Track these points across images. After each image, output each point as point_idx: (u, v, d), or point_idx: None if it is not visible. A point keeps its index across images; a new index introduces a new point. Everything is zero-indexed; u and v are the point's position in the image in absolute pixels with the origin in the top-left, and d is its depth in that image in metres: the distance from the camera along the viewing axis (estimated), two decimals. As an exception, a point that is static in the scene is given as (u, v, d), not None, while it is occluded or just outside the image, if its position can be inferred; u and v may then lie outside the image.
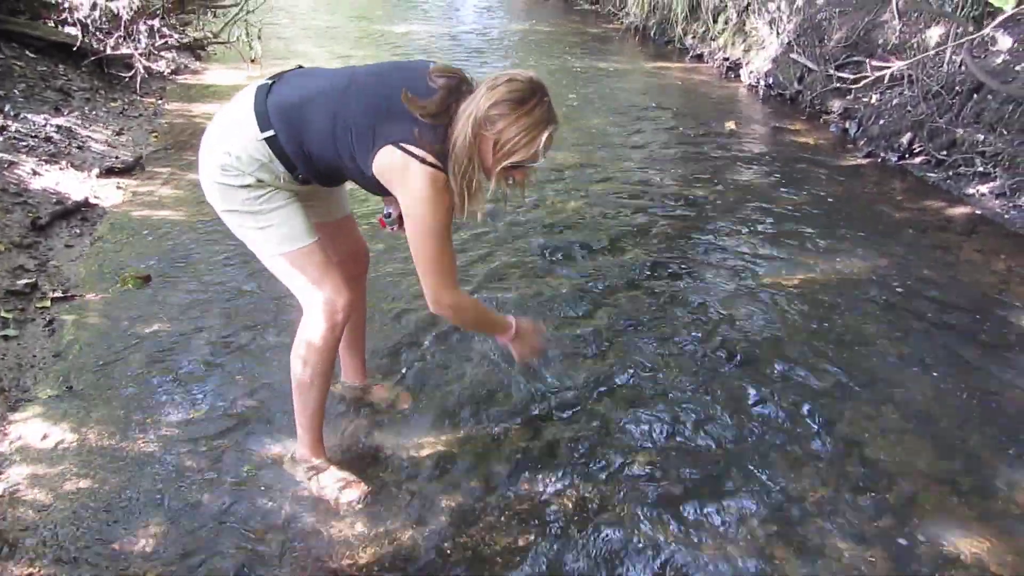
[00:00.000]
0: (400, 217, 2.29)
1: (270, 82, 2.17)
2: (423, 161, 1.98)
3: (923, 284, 3.86)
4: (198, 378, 2.98)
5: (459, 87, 2.03)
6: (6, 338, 3.15)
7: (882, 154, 5.66)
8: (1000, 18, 3.20)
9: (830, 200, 4.90)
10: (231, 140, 2.11)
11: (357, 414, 2.80)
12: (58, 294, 3.52)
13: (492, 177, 2.05)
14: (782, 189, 5.06)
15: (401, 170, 2.00)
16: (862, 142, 5.92)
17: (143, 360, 3.07)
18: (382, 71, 2.15)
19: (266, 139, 2.08)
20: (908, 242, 4.35)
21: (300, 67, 2.30)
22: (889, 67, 4.29)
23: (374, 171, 2.04)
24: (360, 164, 2.06)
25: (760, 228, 4.48)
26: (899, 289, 3.81)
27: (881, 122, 5.91)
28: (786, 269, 3.99)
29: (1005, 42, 5.16)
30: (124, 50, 6.57)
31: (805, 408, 2.91)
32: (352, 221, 2.58)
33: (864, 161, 5.63)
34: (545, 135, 1.99)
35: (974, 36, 5.01)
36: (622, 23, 10.38)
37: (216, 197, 2.19)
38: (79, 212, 4.34)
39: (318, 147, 2.10)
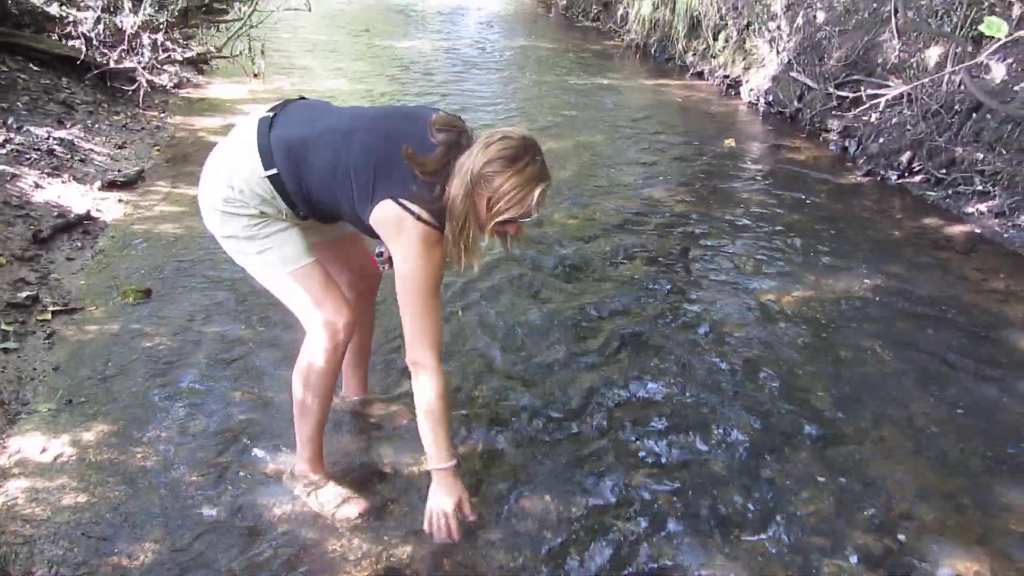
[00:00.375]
0: (391, 258, 2.31)
1: (271, 114, 2.18)
2: (419, 218, 2.01)
3: (922, 303, 3.87)
4: (198, 393, 2.98)
5: (458, 141, 2.06)
6: (6, 351, 3.15)
7: (881, 172, 5.69)
8: (994, 45, 3.20)
9: (830, 218, 4.91)
10: (234, 174, 2.14)
11: (357, 429, 2.81)
12: (59, 307, 3.52)
13: (486, 232, 2.08)
14: (782, 207, 5.07)
15: (396, 224, 2.03)
16: (861, 160, 5.95)
17: (143, 374, 3.07)
18: (387, 117, 2.19)
19: (268, 177, 2.11)
20: (907, 260, 4.36)
21: (303, 98, 2.32)
22: (883, 95, 4.32)
23: (370, 221, 2.08)
24: (358, 211, 2.09)
25: (760, 245, 4.49)
26: (898, 307, 3.82)
27: (880, 140, 5.94)
28: (786, 286, 4.00)
29: (999, 69, 5.18)
30: (127, 64, 6.59)
31: (804, 426, 2.91)
32: (358, 236, 2.60)
33: (863, 179, 5.65)
34: (537, 191, 2.02)
35: (973, 58, 5.04)
36: (623, 40, 10.44)
37: (216, 224, 2.22)
38: (81, 225, 4.35)
39: (317, 188, 2.12)
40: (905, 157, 5.61)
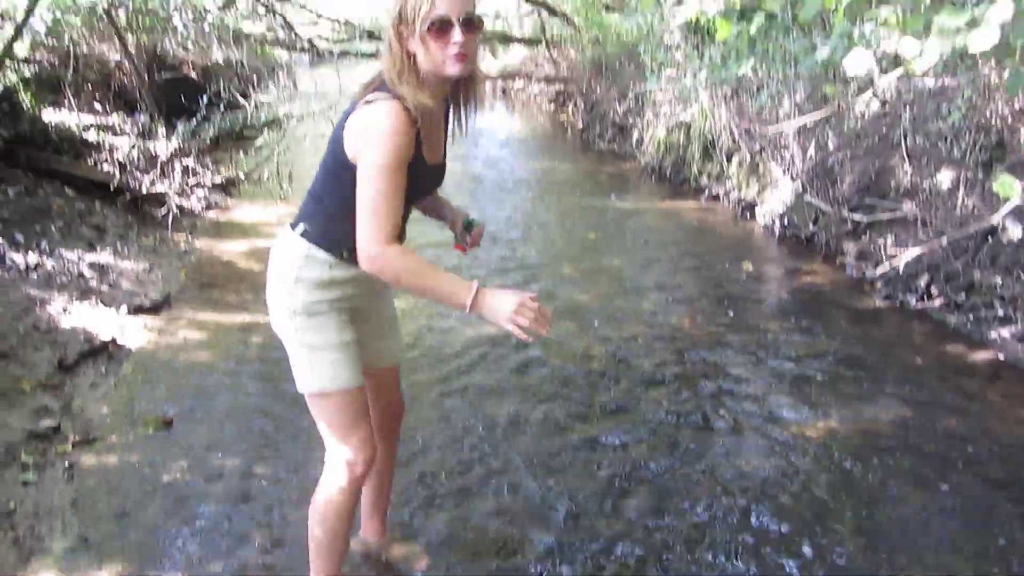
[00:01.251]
0: (464, 230, 2.43)
1: None
2: (374, 101, 2.01)
3: (949, 434, 3.80)
4: (215, 531, 2.95)
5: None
6: (25, 483, 3.15)
7: (900, 297, 5.69)
8: (1009, 207, 3.22)
9: (850, 345, 4.89)
10: (281, 268, 2.22)
11: (373, 573, 2.75)
12: (79, 437, 3.53)
13: (429, 58, 2.00)
14: (802, 333, 5.07)
15: (364, 116, 2.02)
16: (879, 284, 5.96)
17: (160, 510, 3.05)
18: None
19: (301, 234, 2.18)
20: (931, 389, 4.31)
21: None
22: (896, 211, 4.35)
23: (346, 144, 2.06)
24: (338, 160, 2.09)
25: (780, 374, 4.47)
26: (924, 441, 3.75)
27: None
28: (808, 418, 3.95)
29: (1016, 231, 5.20)
30: (159, 188, 6.82)
31: (833, 559, 2.83)
32: (397, 374, 2.61)
33: (882, 304, 5.65)
34: None
35: (983, 183, 5.11)
36: (639, 162, 10.68)
37: (276, 319, 2.27)
38: (105, 351, 4.41)
39: (321, 184, 2.21)
40: (923, 281, 5.62)
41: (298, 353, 2.23)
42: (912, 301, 5.59)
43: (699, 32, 7.97)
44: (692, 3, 1.91)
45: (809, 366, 4.58)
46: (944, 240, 4.94)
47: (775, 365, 4.60)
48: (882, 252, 6.20)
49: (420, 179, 2.15)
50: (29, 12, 6.52)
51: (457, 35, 1.96)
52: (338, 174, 2.09)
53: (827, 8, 1.67)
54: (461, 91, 2.22)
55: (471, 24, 2.00)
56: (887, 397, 4.19)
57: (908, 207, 6.12)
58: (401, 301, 3.59)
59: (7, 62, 6.60)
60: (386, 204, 1.98)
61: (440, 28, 1.95)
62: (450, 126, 2.32)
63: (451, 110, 2.28)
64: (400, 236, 2.21)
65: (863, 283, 6.11)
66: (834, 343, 4.92)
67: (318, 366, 2.20)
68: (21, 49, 6.94)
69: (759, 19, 1.82)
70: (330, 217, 2.16)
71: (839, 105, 6.12)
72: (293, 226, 2.21)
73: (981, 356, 4.76)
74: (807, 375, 4.46)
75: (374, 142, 1.98)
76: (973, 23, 1.45)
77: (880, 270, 4.95)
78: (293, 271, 2.17)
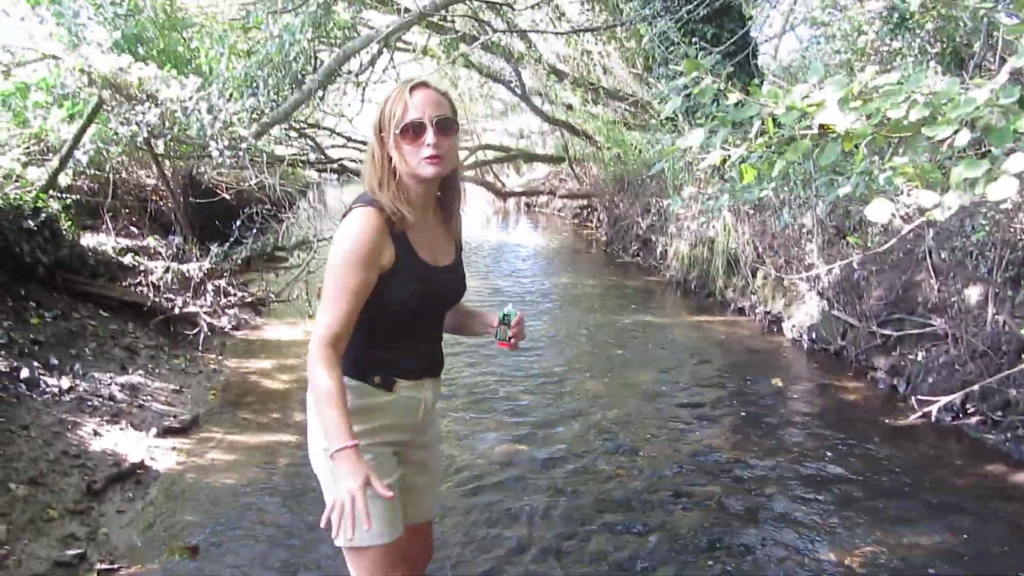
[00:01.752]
0: (502, 325, 2.36)
1: None
2: (350, 209, 2.11)
3: (994, 562, 3.67)
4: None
5: None
6: (49, 616, 3.10)
7: (935, 414, 5.59)
8: None
9: (886, 465, 4.78)
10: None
11: None
12: (105, 566, 3.49)
13: (404, 161, 2.09)
14: (835, 452, 4.97)
15: (338, 229, 2.10)
16: (913, 400, 5.87)
17: (184, 644, 2.99)
18: None
19: None
20: (973, 513, 4.18)
21: None
22: (925, 327, 4.33)
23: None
24: None
25: (816, 496, 4.36)
26: (966, 567, 3.62)
27: (930, 380, 5.89)
28: (846, 544, 3.83)
29: None
30: (191, 309, 6.95)
31: None
32: (430, 527, 2.55)
33: (917, 421, 5.55)
34: (407, 89, 2.09)
35: (1013, 299, 5.09)
36: (663, 276, 10.77)
37: (314, 459, 2.24)
38: (134, 475, 4.39)
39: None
40: (958, 397, 5.53)
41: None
42: (947, 418, 5.49)
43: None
44: (716, 153, 1.97)
45: (844, 486, 4.47)
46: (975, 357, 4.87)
47: (808, 484, 4.50)
48: (912, 367, 6.14)
49: (426, 280, 2.18)
50: (74, 146, 6.83)
51: (430, 137, 2.05)
52: None
53: (847, 149, 1.72)
54: (445, 194, 2.29)
55: (445, 126, 2.09)
56: (928, 520, 4.07)
57: (938, 322, 6.09)
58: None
59: (50, 191, 6.86)
60: (336, 303, 2.03)
61: (414, 131, 2.05)
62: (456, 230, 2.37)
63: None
64: (426, 356, 2.28)
65: (895, 398, 6.03)
66: (869, 462, 4.82)
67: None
68: (64, 178, 7.22)
69: (781, 163, 1.88)
70: (358, 341, 2.14)
71: (863, 250, 6.19)
72: None
73: (1022, 477, 4.64)
74: (842, 495, 4.35)
75: (337, 242, 2.05)
76: (990, 175, 1.49)
77: (934, 405, 4.85)
78: None
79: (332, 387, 1.99)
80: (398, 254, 2.11)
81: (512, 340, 2.38)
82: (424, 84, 2.13)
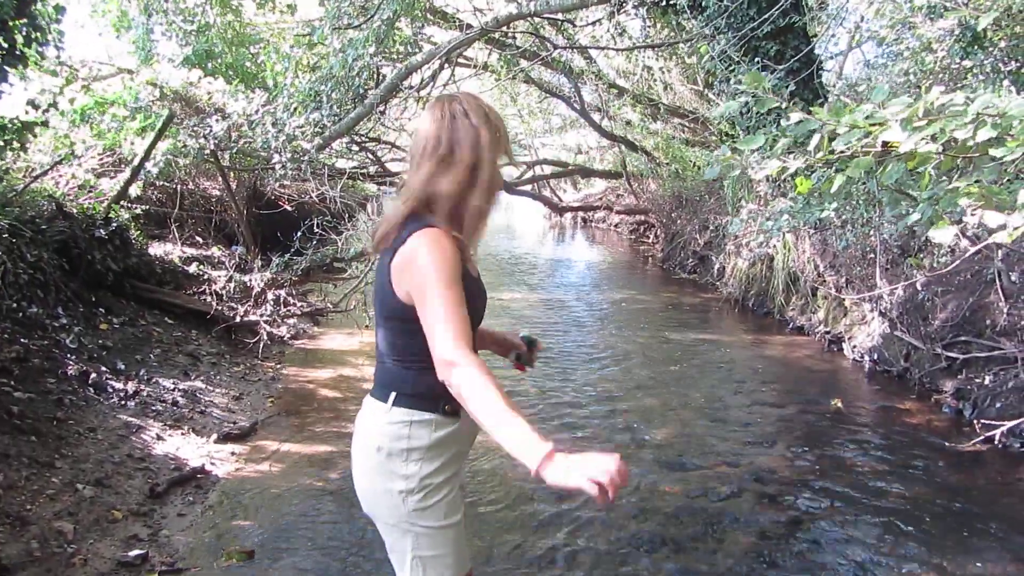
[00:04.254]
0: (519, 349, 2.37)
1: None
2: (424, 226, 2.00)
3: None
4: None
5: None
6: (111, 615, 3.19)
7: (1003, 440, 5.41)
8: None
9: (951, 492, 4.65)
10: (394, 451, 2.07)
11: None
12: (166, 567, 3.58)
13: (489, 187, 2.07)
14: (897, 478, 4.84)
15: (407, 248, 1.98)
16: (979, 425, 5.69)
17: (239, 648, 3.04)
18: None
19: (395, 404, 2.06)
20: (1042, 543, 4.04)
21: None
22: (994, 349, 4.20)
23: (392, 276, 2.02)
24: (396, 309, 2.04)
25: (878, 523, 4.25)
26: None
27: (998, 405, 5.71)
28: (907, 573, 3.72)
29: None
30: (252, 317, 7.10)
31: None
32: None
33: (983, 446, 5.38)
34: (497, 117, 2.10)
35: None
36: (720, 293, 10.65)
37: (381, 504, 2.11)
38: (194, 479, 4.50)
39: (391, 343, 2.10)
40: (1026, 424, 5.35)
41: (409, 543, 2.08)
42: (1016, 444, 5.32)
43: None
44: (774, 162, 1.95)
45: (908, 514, 4.35)
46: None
47: (871, 512, 4.39)
48: (979, 391, 5.96)
49: (479, 295, 2.16)
50: (145, 158, 7.06)
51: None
52: (405, 323, 2.02)
53: (910, 169, 1.69)
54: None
55: None
56: (996, 552, 3.94)
57: (1007, 345, 5.91)
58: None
59: (121, 201, 7.10)
60: (455, 310, 1.90)
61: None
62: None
63: None
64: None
65: (961, 423, 5.86)
66: (934, 488, 4.69)
67: (438, 557, 2.08)
68: (134, 189, 7.46)
69: (840, 179, 1.85)
70: (419, 371, 2.05)
71: (928, 272, 6.06)
72: (381, 398, 2.09)
73: (1095, 507, 4.46)
74: (906, 524, 4.23)
75: (428, 260, 1.94)
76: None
77: (999, 429, 4.71)
78: (402, 443, 2.04)
79: (499, 391, 1.78)
80: (464, 270, 2.07)
81: (530, 364, 2.47)
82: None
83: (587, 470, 1.64)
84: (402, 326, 2.05)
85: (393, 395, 2.07)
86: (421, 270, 1.94)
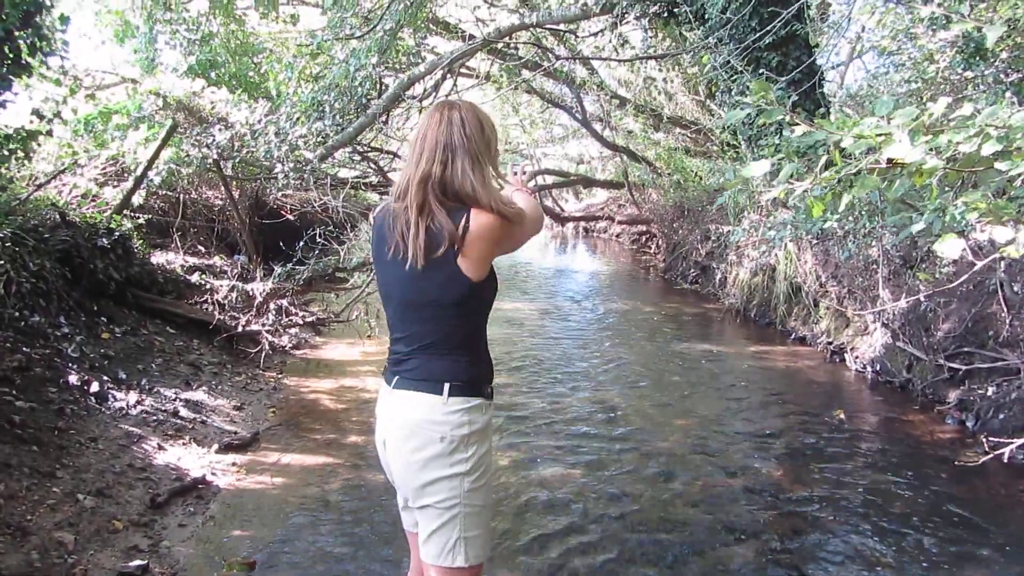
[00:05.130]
0: None
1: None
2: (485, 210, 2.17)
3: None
4: None
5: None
6: (111, 626, 3.17)
7: (1007, 453, 5.39)
8: None
9: (954, 505, 4.63)
10: (456, 439, 2.19)
11: None
12: (165, 579, 3.57)
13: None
14: (899, 490, 4.82)
15: (478, 224, 2.15)
16: (982, 437, 5.67)
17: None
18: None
19: (451, 393, 2.19)
20: (1048, 557, 4.02)
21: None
22: (997, 360, 4.20)
23: (465, 251, 2.16)
24: (459, 278, 2.17)
25: (880, 536, 4.23)
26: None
27: (1001, 416, 5.69)
28: (913, 585, 3.71)
29: None
30: (254, 327, 7.10)
31: None
32: None
33: (987, 459, 5.35)
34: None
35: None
36: (722, 304, 10.64)
37: (434, 490, 2.22)
38: (195, 489, 4.49)
39: (445, 331, 2.24)
40: (1030, 435, 5.33)
41: (457, 525, 2.20)
42: (1020, 456, 5.30)
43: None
44: (780, 187, 1.95)
45: (911, 525, 4.34)
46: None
47: (874, 523, 4.37)
48: (982, 402, 5.94)
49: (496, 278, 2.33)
50: (148, 167, 7.06)
51: None
52: (471, 302, 2.20)
53: (917, 184, 1.69)
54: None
55: None
56: (1001, 565, 3.92)
57: (1010, 357, 5.89)
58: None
59: (124, 211, 7.10)
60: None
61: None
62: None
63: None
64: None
65: (964, 434, 5.84)
66: (938, 500, 4.67)
67: (478, 536, 2.23)
68: (137, 198, 7.46)
69: (847, 198, 1.85)
70: (472, 359, 2.24)
71: (932, 284, 6.05)
72: (432, 391, 2.19)
73: (1101, 520, 4.44)
74: (905, 534, 4.22)
75: (490, 226, 2.16)
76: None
77: (1007, 447, 4.69)
78: (464, 429, 2.17)
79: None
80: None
81: None
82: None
83: None
84: (464, 310, 2.20)
85: (447, 386, 2.19)
86: (487, 230, 2.16)
